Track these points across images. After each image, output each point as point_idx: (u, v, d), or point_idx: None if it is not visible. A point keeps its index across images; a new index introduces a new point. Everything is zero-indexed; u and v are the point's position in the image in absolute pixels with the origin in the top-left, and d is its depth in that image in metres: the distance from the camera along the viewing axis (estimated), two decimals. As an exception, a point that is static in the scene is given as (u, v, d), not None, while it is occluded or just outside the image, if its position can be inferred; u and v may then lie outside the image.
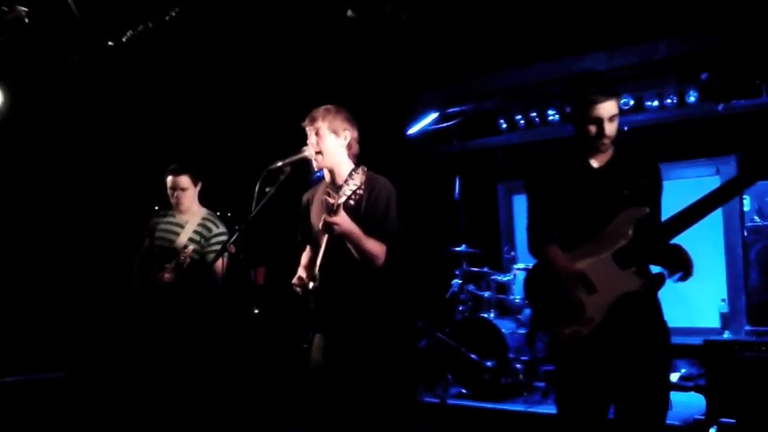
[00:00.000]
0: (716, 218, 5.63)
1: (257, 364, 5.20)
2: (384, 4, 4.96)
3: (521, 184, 6.71)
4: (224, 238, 4.31)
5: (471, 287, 5.96)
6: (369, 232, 2.93)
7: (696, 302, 5.65)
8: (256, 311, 5.34)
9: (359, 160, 3.16)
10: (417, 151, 6.95)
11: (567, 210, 2.88)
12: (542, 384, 5.30)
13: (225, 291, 4.43)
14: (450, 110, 6.64)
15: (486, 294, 5.86)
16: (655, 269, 2.85)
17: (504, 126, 6.65)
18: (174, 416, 4.12)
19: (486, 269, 5.94)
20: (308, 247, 3.28)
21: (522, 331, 5.52)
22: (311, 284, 2.96)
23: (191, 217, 4.37)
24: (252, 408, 4.99)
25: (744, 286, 5.13)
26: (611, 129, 2.81)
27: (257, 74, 5.79)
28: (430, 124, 6.71)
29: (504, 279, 5.84)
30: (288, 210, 3.45)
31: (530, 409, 4.92)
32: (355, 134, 3.14)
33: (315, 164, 3.09)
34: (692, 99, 5.68)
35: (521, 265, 5.77)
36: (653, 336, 2.78)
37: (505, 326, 5.43)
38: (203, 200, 4.49)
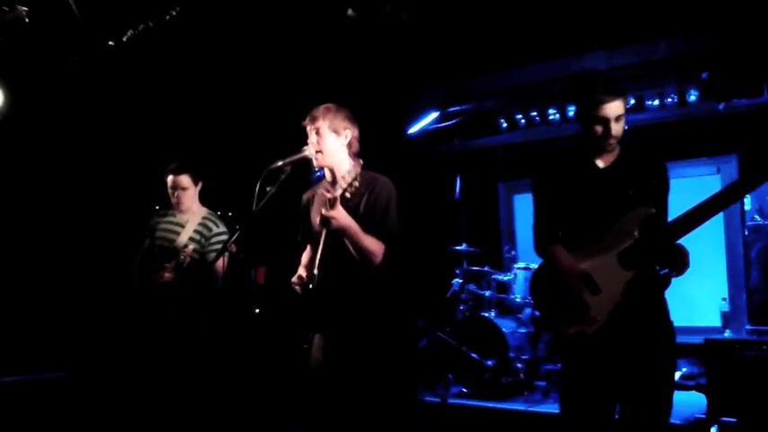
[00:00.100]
0: (717, 217, 5.62)
1: (257, 364, 5.20)
2: (384, 3, 4.95)
3: (521, 183, 6.74)
4: (224, 237, 4.31)
5: (472, 286, 5.96)
6: (368, 230, 2.92)
7: (697, 301, 5.65)
8: (257, 311, 5.34)
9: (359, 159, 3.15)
10: (418, 151, 6.95)
11: (573, 210, 2.89)
12: (543, 383, 5.29)
13: (225, 290, 4.42)
14: (451, 109, 6.64)
15: (487, 293, 5.86)
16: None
17: (505, 125, 6.65)
18: (174, 416, 4.12)
19: (486, 268, 5.94)
20: (308, 247, 3.27)
21: (522, 330, 5.52)
22: (310, 286, 2.95)
23: (191, 216, 4.37)
24: (252, 408, 4.99)
25: (744, 285, 5.14)
26: (617, 129, 2.81)
27: (257, 73, 5.79)
28: (430, 124, 6.71)
29: (505, 278, 5.83)
30: (288, 209, 3.45)
31: (530, 409, 4.92)
32: (356, 133, 3.13)
33: (315, 163, 3.09)
34: (692, 98, 5.68)
35: (521, 265, 5.77)
36: (658, 336, 2.78)
37: (506, 325, 5.42)
38: (204, 199, 4.49)
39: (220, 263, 3.77)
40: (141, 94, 5.46)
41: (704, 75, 5.54)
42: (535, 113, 6.42)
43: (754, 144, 5.32)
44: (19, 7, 4.02)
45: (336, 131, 3.07)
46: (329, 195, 2.83)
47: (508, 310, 5.85)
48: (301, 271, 3.21)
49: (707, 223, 2.72)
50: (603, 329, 2.76)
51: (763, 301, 4.64)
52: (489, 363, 5.29)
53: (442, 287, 6.11)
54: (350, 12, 4.88)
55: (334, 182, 3.10)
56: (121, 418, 4.46)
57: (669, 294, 2.85)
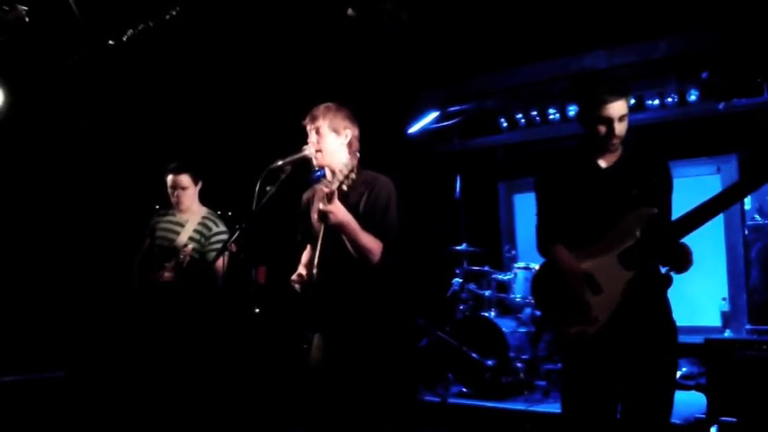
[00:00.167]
0: (717, 217, 5.63)
1: (257, 364, 5.20)
2: (384, 3, 4.95)
3: (521, 183, 6.73)
4: (224, 236, 4.31)
5: (472, 286, 5.96)
6: (367, 228, 2.91)
7: (697, 301, 5.65)
8: (257, 311, 5.34)
9: (359, 159, 3.15)
10: (418, 150, 6.95)
11: (575, 210, 2.88)
12: (543, 383, 5.29)
13: (225, 290, 4.42)
14: (451, 109, 6.65)
15: (487, 293, 5.86)
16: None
17: (505, 125, 6.66)
18: (174, 416, 4.11)
19: (486, 268, 5.94)
20: (308, 247, 3.27)
21: (522, 330, 5.52)
22: (310, 284, 2.95)
23: (191, 216, 4.37)
24: (252, 408, 4.99)
25: (745, 285, 5.14)
26: (621, 128, 2.81)
27: (257, 73, 5.79)
28: (430, 123, 6.72)
29: (505, 278, 5.83)
30: (289, 209, 3.45)
31: (530, 408, 4.92)
32: (356, 132, 3.12)
33: (315, 162, 3.08)
34: (692, 98, 5.68)
35: (521, 264, 5.77)
36: (660, 336, 2.78)
37: (506, 325, 5.42)
38: (204, 199, 4.49)
39: (220, 262, 3.77)
40: (141, 94, 5.46)
41: (704, 74, 5.54)
42: (535, 113, 6.43)
43: (755, 144, 5.32)
44: (19, 7, 4.01)
45: (336, 131, 3.07)
46: (326, 189, 2.83)
47: (508, 309, 5.85)
48: (301, 269, 3.21)
49: (707, 223, 2.72)
50: (605, 329, 2.76)
51: (763, 301, 4.64)
52: (489, 362, 5.29)
53: (442, 287, 6.11)
54: (350, 11, 4.88)
55: (334, 181, 3.09)
56: (121, 418, 4.46)
57: (669, 294, 2.85)
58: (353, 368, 2.93)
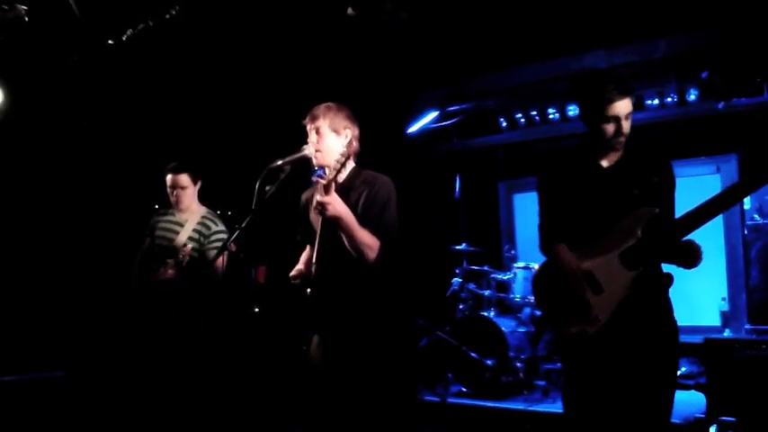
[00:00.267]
0: (717, 217, 5.65)
1: (257, 363, 5.20)
2: (384, 2, 4.95)
3: (521, 182, 6.73)
4: (223, 236, 4.31)
5: (471, 286, 5.96)
6: (364, 225, 2.91)
7: (697, 301, 5.66)
8: (257, 310, 5.34)
9: (359, 159, 3.15)
10: (417, 150, 6.95)
11: (577, 209, 2.88)
12: (543, 383, 5.30)
13: (225, 289, 4.43)
14: (451, 108, 6.65)
15: (487, 293, 5.86)
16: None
17: (505, 125, 6.66)
18: (174, 416, 4.12)
19: (486, 268, 5.94)
20: (307, 248, 3.27)
21: (522, 330, 5.52)
22: (308, 291, 2.94)
23: (190, 215, 4.37)
24: (252, 408, 4.99)
25: (744, 285, 5.14)
26: (627, 127, 2.81)
27: (257, 72, 5.79)
28: (430, 123, 6.71)
29: (505, 278, 5.83)
30: (288, 208, 3.45)
31: (530, 408, 4.92)
32: (356, 132, 3.11)
33: (315, 162, 3.08)
34: (692, 97, 5.69)
35: (521, 264, 5.77)
36: (661, 335, 2.78)
37: (506, 324, 5.42)
38: (204, 199, 4.49)
39: (220, 261, 3.78)
40: (141, 94, 5.46)
41: (704, 74, 5.54)
42: (535, 113, 6.43)
43: (755, 144, 5.32)
44: (18, 6, 4.01)
45: (336, 131, 3.06)
46: (323, 181, 2.83)
47: (508, 309, 5.85)
48: (300, 266, 3.20)
49: (707, 223, 2.72)
50: (605, 329, 2.76)
51: (763, 301, 4.64)
52: (489, 362, 5.29)
53: (441, 286, 6.11)
54: (350, 11, 4.88)
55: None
56: (121, 418, 4.46)
57: (669, 294, 2.86)
58: (353, 368, 2.93)
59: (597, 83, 2.85)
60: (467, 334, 5.48)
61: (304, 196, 3.28)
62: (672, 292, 2.84)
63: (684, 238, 2.73)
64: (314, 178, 3.09)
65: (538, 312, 5.56)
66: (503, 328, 5.33)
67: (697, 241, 2.72)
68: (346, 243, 2.89)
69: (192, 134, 5.76)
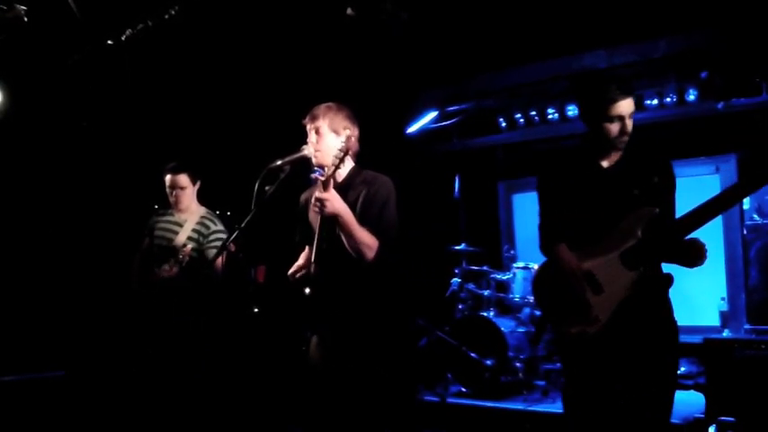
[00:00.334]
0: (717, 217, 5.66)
1: (257, 363, 5.20)
2: (384, 2, 4.95)
3: (521, 182, 6.72)
4: (222, 235, 4.31)
5: (471, 286, 5.96)
6: (363, 224, 2.90)
7: (696, 301, 5.66)
8: (256, 310, 5.34)
9: (359, 159, 3.15)
10: (417, 150, 6.95)
11: (577, 209, 2.88)
12: (542, 383, 5.30)
13: (224, 289, 4.42)
14: (450, 108, 6.65)
15: (486, 293, 5.86)
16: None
17: (504, 125, 6.66)
18: (174, 416, 4.12)
19: (485, 268, 5.94)
20: (306, 249, 3.27)
21: (521, 330, 5.52)
22: (306, 291, 2.94)
23: (189, 216, 4.37)
24: (252, 408, 4.99)
25: (743, 285, 5.14)
26: (630, 126, 2.81)
27: (257, 72, 5.79)
28: (429, 123, 6.71)
29: (504, 278, 5.84)
30: (288, 208, 3.45)
31: (529, 408, 4.92)
32: (356, 133, 3.11)
33: (314, 162, 3.08)
34: (691, 97, 5.68)
35: (520, 264, 5.77)
36: (661, 335, 2.78)
37: (505, 324, 5.43)
38: (203, 199, 4.49)
39: (219, 261, 3.78)
40: (140, 94, 5.46)
41: (703, 74, 5.54)
42: (534, 112, 6.43)
43: (754, 143, 5.33)
44: (18, 6, 4.01)
45: (336, 131, 3.05)
46: (322, 178, 2.83)
47: (507, 309, 5.86)
48: (300, 262, 3.20)
49: (707, 223, 2.73)
50: (606, 329, 2.76)
51: (762, 301, 4.64)
52: (488, 362, 5.29)
53: (441, 286, 6.11)
54: (349, 11, 4.88)
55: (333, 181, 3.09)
56: (121, 418, 4.46)
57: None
58: (352, 368, 2.93)
59: (599, 83, 2.84)
60: (466, 334, 5.48)
61: (303, 196, 3.28)
62: (671, 292, 2.85)
63: (687, 237, 2.73)
64: (313, 176, 3.09)
65: (537, 312, 5.56)
66: (502, 328, 5.33)
67: (701, 239, 2.72)
68: (345, 242, 2.88)
69: (191, 134, 5.76)
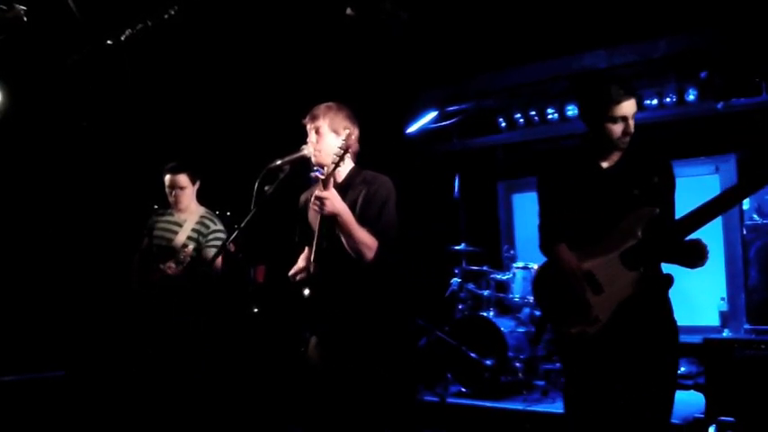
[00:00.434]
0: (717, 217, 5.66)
1: (257, 363, 5.20)
2: (384, 2, 4.95)
3: (521, 182, 6.71)
4: (221, 235, 4.31)
5: (471, 286, 5.96)
6: (363, 224, 2.90)
7: (696, 301, 5.66)
8: (256, 310, 5.34)
9: (359, 159, 3.15)
10: (417, 150, 6.95)
11: (577, 210, 2.88)
12: (542, 383, 5.30)
13: (224, 289, 4.43)
14: (450, 108, 6.64)
15: (486, 293, 5.86)
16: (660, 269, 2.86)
17: (504, 125, 6.66)
18: (174, 416, 4.12)
19: (485, 268, 5.94)
20: (305, 250, 3.26)
21: (521, 330, 5.52)
22: (305, 291, 2.94)
23: (189, 215, 4.37)
24: (252, 408, 4.99)
25: (743, 285, 5.14)
26: (632, 127, 2.81)
27: (256, 72, 5.79)
28: (429, 123, 6.71)
29: (504, 278, 5.84)
30: (287, 208, 3.45)
31: (529, 408, 4.92)
32: (356, 133, 3.11)
33: (314, 162, 3.08)
34: (691, 97, 5.68)
35: (520, 264, 5.77)
36: (661, 335, 2.78)
37: (505, 324, 5.43)
38: (203, 199, 4.49)
39: (219, 260, 3.77)
40: (140, 94, 5.46)
41: (703, 74, 5.54)
42: (534, 112, 6.43)
43: (754, 144, 5.33)
44: (17, 6, 4.01)
45: (336, 131, 3.05)
46: (322, 177, 2.82)
47: (507, 309, 5.86)
48: (300, 263, 3.19)
49: (708, 224, 2.73)
50: (606, 329, 2.76)
51: (762, 301, 4.64)
52: (488, 362, 5.29)
53: (441, 286, 6.11)
54: (349, 11, 4.88)
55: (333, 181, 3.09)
56: (121, 418, 4.46)
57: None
58: (352, 368, 2.93)
59: (602, 83, 2.84)
60: (466, 334, 5.48)
61: (303, 197, 3.28)
62: (671, 292, 2.85)
63: (688, 238, 2.73)
64: (313, 175, 3.09)
65: (537, 312, 5.56)
66: (502, 328, 5.33)
67: (703, 240, 2.72)
68: (344, 242, 2.88)
69: (191, 134, 5.76)
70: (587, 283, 2.80)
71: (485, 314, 5.58)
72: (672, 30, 5.40)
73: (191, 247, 4.17)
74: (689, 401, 4.52)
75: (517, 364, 5.31)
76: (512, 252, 6.27)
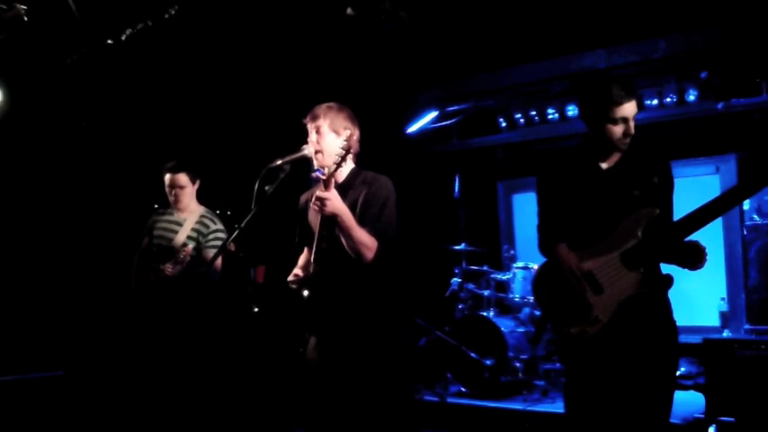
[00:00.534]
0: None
1: (257, 363, 5.20)
2: (383, 2, 4.95)
3: (520, 182, 6.71)
4: (221, 234, 4.32)
5: (471, 286, 5.96)
6: (362, 224, 2.90)
7: (696, 301, 5.66)
8: (256, 310, 5.34)
9: (359, 159, 3.15)
10: (417, 150, 6.95)
11: (577, 210, 2.88)
12: (542, 383, 5.30)
13: (223, 288, 4.43)
14: (450, 108, 6.65)
15: (486, 293, 5.86)
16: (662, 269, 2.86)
17: (504, 124, 6.66)
18: (174, 415, 4.12)
19: (485, 268, 5.94)
20: (305, 250, 3.26)
21: (521, 330, 5.52)
22: (305, 293, 2.94)
23: (189, 215, 4.37)
24: (252, 408, 4.99)
25: (743, 285, 5.14)
26: (633, 128, 2.81)
27: (256, 72, 5.79)
28: (429, 123, 6.71)
29: (504, 277, 5.84)
30: (288, 208, 3.45)
31: (529, 408, 4.92)
32: (357, 133, 3.11)
33: (314, 162, 3.08)
34: (691, 97, 5.68)
35: (520, 264, 5.77)
36: (660, 336, 2.78)
37: (505, 324, 5.43)
38: (203, 199, 4.49)
39: (219, 260, 3.78)
40: (140, 94, 5.46)
41: (703, 74, 5.54)
42: (534, 112, 6.43)
43: (754, 144, 5.33)
44: (18, 6, 4.02)
45: (337, 132, 3.05)
46: (323, 177, 2.82)
47: (507, 309, 5.86)
48: (297, 270, 3.20)
49: (708, 224, 2.73)
50: (606, 329, 2.76)
51: (762, 301, 4.64)
52: (488, 362, 5.29)
53: (441, 286, 6.11)
54: (349, 11, 4.88)
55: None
56: (121, 418, 4.46)
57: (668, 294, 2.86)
58: (351, 368, 2.93)
59: (602, 84, 2.83)
60: (466, 334, 5.48)
61: (303, 197, 3.28)
62: (671, 292, 2.85)
63: (687, 239, 2.73)
64: (313, 175, 3.09)
65: (537, 312, 5.56)
66: (502, 328, 5.33)
67: (702, 242, 2.72)
68: (344, 242, 2.88)
69: (191, 134, 5.76)
70: (587, 283, 2.80)
71: (485, 314, 5.58)
72: (672, 30, 5.40)
73: (190, 246, 4.17)
74: (689, 401, 4.52)
75: (517, 364, 5.31)
76: (512, 252, 6.27)
